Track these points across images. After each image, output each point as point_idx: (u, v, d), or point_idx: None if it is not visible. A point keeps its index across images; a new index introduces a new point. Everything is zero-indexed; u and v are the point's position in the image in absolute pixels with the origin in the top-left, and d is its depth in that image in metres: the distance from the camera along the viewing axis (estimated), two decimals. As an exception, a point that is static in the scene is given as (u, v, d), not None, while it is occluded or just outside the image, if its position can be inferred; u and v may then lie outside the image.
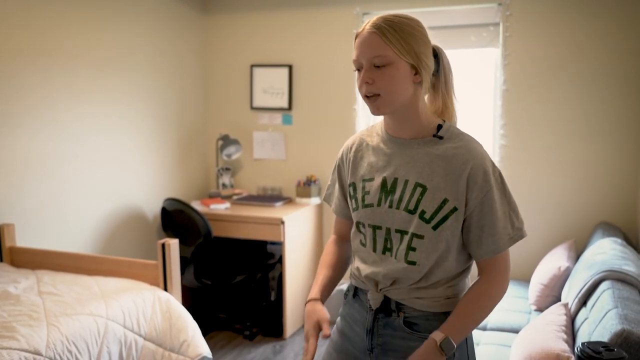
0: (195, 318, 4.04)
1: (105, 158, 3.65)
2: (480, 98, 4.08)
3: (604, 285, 2.45)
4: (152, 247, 4.09)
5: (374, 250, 1.50)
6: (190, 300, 4.26)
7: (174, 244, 2.61)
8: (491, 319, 3.15)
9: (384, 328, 1.49)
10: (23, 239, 3.09)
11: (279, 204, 4.26)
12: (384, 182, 1.47)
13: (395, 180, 1.46)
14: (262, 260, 4.24)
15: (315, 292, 1.56)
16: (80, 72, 3.44)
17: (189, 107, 4.46)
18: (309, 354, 1.42)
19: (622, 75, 3.59)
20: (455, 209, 1.41)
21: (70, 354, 2.09)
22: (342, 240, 1.68)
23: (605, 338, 2.00)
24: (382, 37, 1.39)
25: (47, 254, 2.90)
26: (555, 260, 3.34)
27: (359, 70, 1.42)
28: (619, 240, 3.02)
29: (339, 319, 1.66)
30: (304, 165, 4.46)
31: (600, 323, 2.16)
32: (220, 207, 4.11)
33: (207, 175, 4.70)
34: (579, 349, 1.85)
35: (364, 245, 1.53)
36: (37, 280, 2.61)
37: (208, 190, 4.66)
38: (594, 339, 2.14)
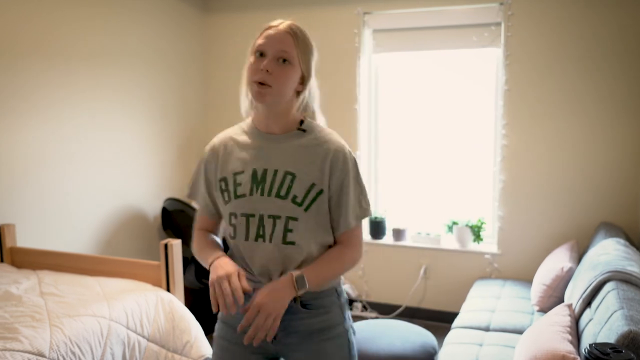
0: (196, 319, 4.02)
1: (105, 157, 3.63)
2: (481, 98, 4.07)
3: (609, 286, 2.44)
4: (152, 247, 4.07)
5: (246, 238, 1.56)
6: (191, 301, 4.24)
7: (176, 244, 2.60)
8: (494, 320, 3.15)
9: (285, 315, 1.55)
10: (24, 239, 3.07)
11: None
12: (254, 174, 1.57)
13: (265, 171, 1.57)
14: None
15: (220, 252, 1.57)
16: (80, 71, 3.43)
17: (189, 106, 4.44)
18: (239, 288, 1.44)
19: (624, 75, 3.59)
20: (321, 192, 1.57)
21: (74, 355, 2.07)
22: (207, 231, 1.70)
23: (611, 339, 1.99)
24: (295, 40, 1.55)
25: (48, 254, 2.88)
26: (557, 260, 3.33)
27: (259, 55, 1.53)
28: (622, 241, 3.02)
29: (219, 330, 1.68)
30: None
31: (606, 324, 2.15)
32: (221, 207, 4.09)
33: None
34: (586, 350, 1.84)
35: (233, 237, 1.59)
36: (39, 281, 2.59)
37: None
38: (599, 340, 2.14)
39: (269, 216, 1.53)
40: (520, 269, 3.95)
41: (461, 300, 4.11)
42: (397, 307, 4.29)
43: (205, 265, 1.58)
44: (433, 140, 4.25)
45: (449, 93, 4.16)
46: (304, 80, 1.59)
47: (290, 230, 1.53)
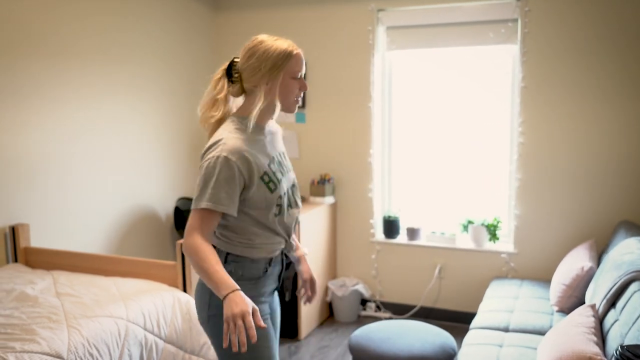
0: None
1: (118, 157, 3.61)
2: (497, 95, 4.02)
3: (635, 286, 2.39)
4: (165, 247, 4.05)
5: (287, 210, 1.89)
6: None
7: (193, 244, 2.56)
8: (513, 320, 3.10)
9: (287, 262, 1.97)
10: (38, 239, 3.05)
11: (292, 203, 4.20)
12: (277, 160, 1.89)
13: (277, 155, 1.92)
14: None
15: (233, 283, 1.65)
16: (92, 71, 3.40)
17: (193, 108, 4.40)
18: (253, 327, 1.56)
19: (643, 71, 3.53)
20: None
21: (92, 357, 2.04)
22: (209, 240, 1.76)
23: (641, 341, 1.94)
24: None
25: (62, 254, 2.85)
26: (577, 260, 3.28)
27: (296, 78, 1.86)
28: (645, 240, 2.96)
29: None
30: (318, 163, 4.40)
31: (634, 325, 2.10)
32: (234, 206, 4.05)
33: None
34: (617, 352, 1.80)
35: (277, 214, 1.86)
36: (54, 281, 2.56)
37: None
38: (627, 342, 2.09)
39: (292, 186, 1.93)
40: (537, 268, 3.89)
41: (477, 300, 4.06)
42: (411, 307, 4.24)
43: (213, 287, 1.64)
44: (448, 138, 4.20)
45: (464, 91, 4.11)
46: None
47: (296, 193, 1.96)
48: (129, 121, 3.69)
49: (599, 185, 3.70)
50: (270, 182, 1.81)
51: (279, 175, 1.85)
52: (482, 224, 4.00)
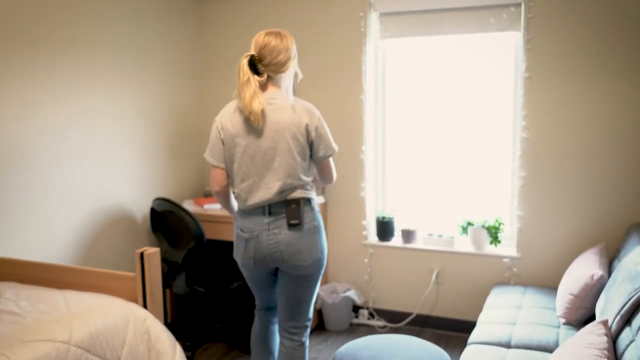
0: (187, 328, 3.71)
1: (89, 154, 3.32)
2: (499, 87, 3.71)
3: (653, 302, 2.09)
4: (141, 250, 3.77)
5: None
6: (181, 310, 3.94)
7: (154, 253, 2.27)
8: (516, 334, 2.81)
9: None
10: (-9, 246, 2.77)
11: (279, 203, 3.91)
12: None
13: None
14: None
15: None
16: (61, 61, 3.10)
17: (182, 99, 4.12)
18: None
19: (659, 59, 3.22)
20: None
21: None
22: None
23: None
24: None
25: (12, 264, 2.57)
26: (585, 267, 2.99)
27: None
28: (662, 246, 2.66)
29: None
30: (307, 161, 4.11)
31: (654, 351, 1.81)
32: (215, 207, 3.77)
33: (202, 172, 4.36)
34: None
35: None
36: None
37: (203, 189, 4.32)
38: (647, 369, 1.80)
39: None
40: (542, 274, 3.60)
41: (477, 307, 3.77)
42: (407, 314, 3.95)
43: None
44: (446, 133, 3.90)
45: (463, 82, 3.81)
46: None
47: None
48: (101, 114, 3.40)
49: (610, 184, 3.39)
50: None
51: None
52: (483, 226, 3.70)
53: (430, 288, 3.87)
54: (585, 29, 3.33)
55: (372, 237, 4.03)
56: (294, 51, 2.39)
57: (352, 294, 3.93)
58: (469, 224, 3.77)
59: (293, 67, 2.41)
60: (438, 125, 3.91)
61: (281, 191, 2.34)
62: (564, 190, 3.49)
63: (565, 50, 3.38)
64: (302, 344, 2.55)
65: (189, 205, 3.85)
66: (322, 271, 2.47)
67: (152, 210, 3.66)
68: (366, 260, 4.02)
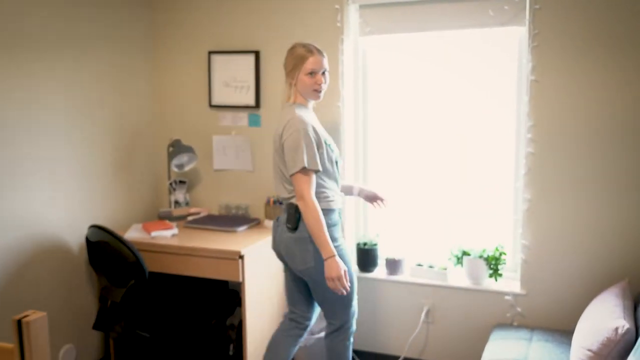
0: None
1: (10, 173, 2.74)
2: (500, 92, 3.14)
3: None
4: (81, 286, 3.19)
5: (339, 169, 2.65)
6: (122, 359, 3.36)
7: (36, 321, 1.68)
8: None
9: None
10: None
11: (242, 228, 3.34)
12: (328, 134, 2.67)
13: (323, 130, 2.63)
14: (221, 301, 3.33)
15: (332, 248, 2.43)
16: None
17: (131, 106, 3.55)
18: (345, 286, 2.46)
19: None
20: None
21: None
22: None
23: None
24: (325, 59, 2.59)
25: None
26: (607, 314, 2.42)
27: (310, 74, 2.54)
28: None
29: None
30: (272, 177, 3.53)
31: None
32: (165, 235, 3.20)
33: (156, 191, 3.78)
34: None
35: (338, 172, 2.64)
36: None
37: (158, 210, 3.74)
38: None
39: (338, 153, 2.66)
40: (551, 315, 3.03)
41: (474, 352, 3.19)
42: (392, 358, 3.38)
43: (320, 242, 2.42)
44: (438, 146, 3.33)
45: (458, 86, 3.24)
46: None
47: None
48: (28, 123, 2.83)
49: (633, 208, 2.82)
50: (330, 144, 2.54)
51: (329, 142, 2.57)
52: (481, 256, 3.13)
53: (419, 328, 3.29)
54: (605, 22, 2.76)
55: (352, 266, 3.44)
56: (289, 62, 2.56)
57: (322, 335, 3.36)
58: (465, 253, 3.20)
59: (291, 78, 2.57)
60: (429, 137, 3.34)
61: (281, 194, 2.62)
62: (578, 215, 2.92)
63: (580, 48, 2.81)
64: (336, 341, 2.74)
65: (135, 232, 3.27)
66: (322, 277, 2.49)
67: (87, 240, 3.09)
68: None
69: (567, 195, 2.93)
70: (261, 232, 3.32)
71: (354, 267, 3.31)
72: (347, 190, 2.95)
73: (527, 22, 2.90)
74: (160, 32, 3.70)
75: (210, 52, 3.56)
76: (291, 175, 2.46)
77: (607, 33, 2.76)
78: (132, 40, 3.54)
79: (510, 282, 3.16)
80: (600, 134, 2.84)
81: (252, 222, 3.45)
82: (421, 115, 3.34)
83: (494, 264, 3.14)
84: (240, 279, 2.97)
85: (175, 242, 3.12)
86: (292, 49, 2.56)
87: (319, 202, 2.47)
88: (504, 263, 3.15)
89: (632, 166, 2.80)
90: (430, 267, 3.28)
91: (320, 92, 2.57)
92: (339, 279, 2.42)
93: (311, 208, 2.42)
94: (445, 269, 3.25)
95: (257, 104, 3.50)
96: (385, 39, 3.31)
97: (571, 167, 2.91)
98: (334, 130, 3.34)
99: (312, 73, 2.52)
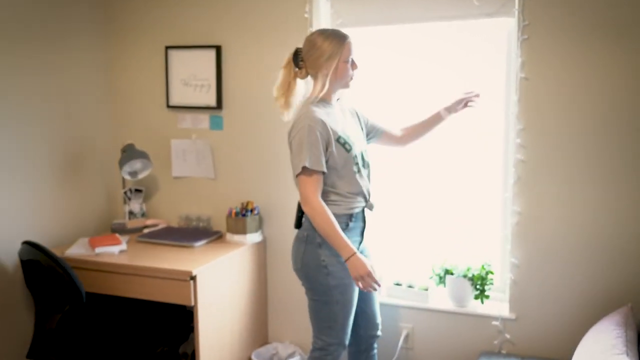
0: None
1: None
2: (487, 91, 2.80)
3: None
4: (17, 309, 2.85)
5: (363, 169, 2.38)
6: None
7: None
8: None
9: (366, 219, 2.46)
10: None
11: (200, 243, 3.00)
12: (349, 127, 2.38)
13: (346, 125, 2.37)
14: (173, 326, 2.98)
15: (352, 247, 2.23)
16: None
17: (81, 106, 3.21)
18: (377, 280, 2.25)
19: None
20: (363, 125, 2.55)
21: None
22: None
23: None
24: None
25: None
26: (606, 347, 2.10)
27: (350, 61, 2.33)
28: None
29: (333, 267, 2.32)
30: (239, 186, 3.20)
31: None
32: (111, 251, 2.86)
33: (110, 201, 3.43)
34: None
35: (357, 172, 2.34)
36: None
37: (111, 221, 3.39)
38: None
39: (365, 150, 2.41)
40: (544, 343, 2.69)
41: (458, 383, 2.85)
42: (367, 388, 3.04)
43: (336, 245, 2.23)
44: (418, 152, 2.99)
45: (442, 85, 2.89)
46: None
47: (368, 156, 2.44)
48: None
49: (635, 223, 2.48)
50: (345, 143, 2.30)
51: (353, 139, 2.33)
52: (465, 276, 2.79)
53: (397, 354, 2.95)
54: (605, 12, 2.42)
55: (323, 286, 3.11)
56: (325, 51, 2.30)
57: (299, 359, 3.04)
58: (448, 272, 2.86)
59: (326, 68, 2.31)
60: (408, 142, 3.00)
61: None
62: (573, 231, 2.59)
63: (576, 42, 2.48)
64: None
65: (79, 248, 2.93)
66: (317, 287, 2.36)
67: (20, 258, 2.74)
68: (315, 317, 3.10)
69: (562, 207, 2.59)
70: (222, 247, 2.98)
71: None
72: (431, 122, 2.61)
73: (516, 13, 2.56)
74: (113, 23, 3.35)
75: (167, 47, 3.22)
76: (296, 177, 2.29)
77: (606, 24, 2.42)
78: (82, 32, 3.20)
79: (498, 305, 2.81)
80: (599, 139, 2.50)
81: (213, 236, 3.11)
82: (399, 118, 3.00)
83: (480, 285, 2.80)
84: (192, 303, 2.62)
85: (121, 259, 2.78)
86: (319, 37, 2.31)
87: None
88: (491, 283, 2.81)
89: (636, 176, 2.46)
90: (410, 286, 2.94)
91: (353, 79, 2.39)
92: (368, 275, 2.21)
93: (318, 211, 2.22)
94: (427, 289, 2.91)
95: (219, 105, 3.16)
96: (359, 32, 2.96)
97: (566, 176, 2.57)
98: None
99: (350, 60, 2.33)
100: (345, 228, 2.31)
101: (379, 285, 2.28)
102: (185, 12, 3.18)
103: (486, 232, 2.91)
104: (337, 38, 2.29)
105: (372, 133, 2.57)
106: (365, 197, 2.39)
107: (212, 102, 3.17)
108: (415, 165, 3.00)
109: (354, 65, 2.35)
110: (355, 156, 2.32)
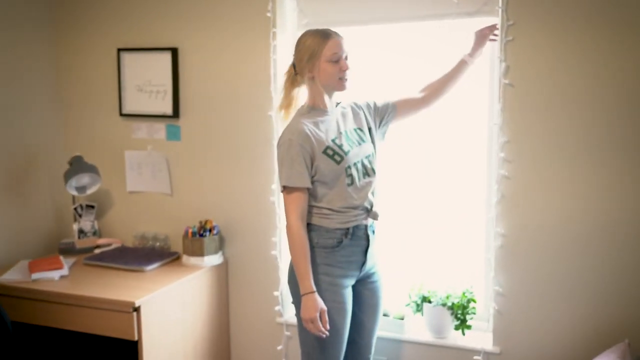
0: None
1: None
2: (467, 99, 2.52)
3: None
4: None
5: (359, 180, 2.11)
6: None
7: None
8: None
9: (372, 237, 2.18)
10: None
11: (152, 267, 2.71)
12: (345, 135, 2.12)
13: (346, 131, 2.14)
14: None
15: (311, 284, 2.03)
16: None
17: (25, 115, 2.93)
18: (322, 328, 2.01)
19: None
20: (370, 129, 2.23)
21: None
22: (304, 221, 2.08)
23: None
24: (344, 42, 2.09)
25: None
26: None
27: (334, 60, 2.06)
28: None
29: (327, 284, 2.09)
30: (198, 203, 2.91)
31: None
32: (50, 277, 2.56)
33: (59, 218, 3.13)
34: None
35: (349, 184, 2.09)
36: None
37: (59, 241, 3.09)
38: None
39: (366, 157, 2.14)
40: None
41: None
42: None
43: (298, 274, 2.04)
44: (393, 167, 2.70)
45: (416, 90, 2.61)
46: None
47: (372, 162, 2.17)
48: None
49: (632, 247, 2.21)
50: (335, 154, 2.07)
51: (346, 147, 2.09)
52: (444, 304, 2.51)
53: (370, 390, 2.66)
54: (600, 10, 2.14)
55: (290, 313, 2.82)
56: (303, 54, 2.10)
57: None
58: (425, 299, 2.57)
59: (309, 71, 2.11)
60: (383, 153, 2.71)
61: None
62: (564, 257, 2.31)
63: (568, 45, 2.20)
64: None
65: (16, 273, 2.63)
66: (297, 307, 2.13)
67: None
68: (280, 347, 2.81)
69: (551, 230, 2.31)
70: (177, 271, 2.69)
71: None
72: (456, 72, 2.29)
73: (500, 11, 2.29)
74: (61, 27, 3.06)
75: (119, 50, 2.93)
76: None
77: (602, 24, 2.15)
78: (27, 35, 2.91)
79: (481, 336, 2.53)
80: (592, 154, 2.22)
81: (168, 258, 2.82)
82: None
83: (460, 314, 2.52)
84: (136, 337, 2.33)
85: (60, 287, 2.50)
86: (302, 38, 2.11)
87: (310, 217, 2.11)
88: (474, 312, 2.52)
89: (635, 197, 2.18)
90: (385, 315, 2.65)
91: (346, 80, 2.10)
92: (312, 321, 2.01)
93: (291, 233, 2.06)
94: (402, 318, 2.63)
95: (176, 113, 2.87)
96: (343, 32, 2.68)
97: (556, 195, 2.29)
98: (265, 144, 2.72)
99: (334, 59, 2.06)
100: (338, 245, 2.10)
101: (326, 335, 2.04)
102: (138, 12, 2.89)
103: (469, 255, 2.63)
104: (318, 36, 2.06)
105: (387, 114, 2.27)
106: (365, 209, 2.14)
107: (169, 110, 2.88)
108: (393, 178, 2.72)
109: (342, 64, 2.07)
110: (348, 167, 2.09)
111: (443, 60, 2.44)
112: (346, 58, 2.09)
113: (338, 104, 2.19)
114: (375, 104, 2.26)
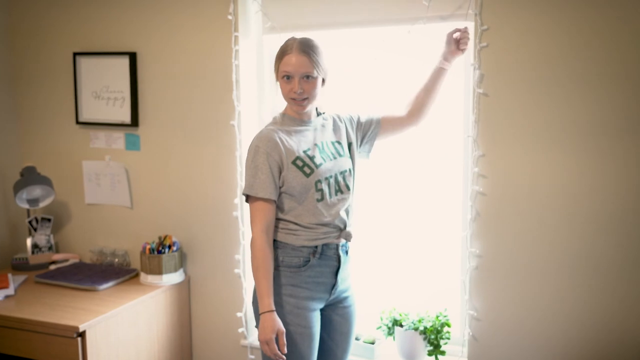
0: None
1: None
2: (440, 110, 2.35)
3: None
4: None
5: (330, 196, 1.96)
6: None
7: None
8: None
9: (344, 258, 2.03)
10: None
11: (106, 285, 2.54)
12: (320, 147, 1.98)
13: (322, 144, 1.99)
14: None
15: (270, 303, 1.86)
16: None
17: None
18: (278, 352, 1.84)
19: None
20: (351, 143, 2.07)
21: None
22: (269, 235, 1.92)
23: None
24: (310, 59, 1.88)
25: None
26: None
27: (286, 77, 1.91)
28: None
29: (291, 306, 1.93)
30: (158, 217, 2.74)
31: None
32: (-4, 296, 2.39)
33: (12, 232, 2.96)
34: None
35: (319, 200, 1.94)
36: None
37: (12, 256, 2.91)
38: None
39: (340, 172, 1.99)
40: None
41: None
42: None
43: (258, 291, 1.88)
44: (363, 182, 2.54)
45: (388, 101, 2.45)
46: (324, 81, 1.96)
47: (348, 178, 2.01)
48: None
49: (620, 267, 2.05)
50: (305, 166, 1.93)
51: (318, 160, 1.94)
52: (416, 328, 2.34)
53: (339, 419, 2.48)
54: (574, 13, 1.98)
55: (254, 335, 2.65)
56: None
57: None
58: (397, 323, 2.41)
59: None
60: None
61: None
62: (545, 279, 2.14)
63: (544, 48, 2.04)
64: None
65: (-41, 292, 2.46)
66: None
67: None
68: (244, 372, 2.64)
69: (530, 251, 2.14)
70: (132, 290, 2.52)
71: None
72: (435, 79, 2.11)
73: (474, 15, 2.12)
74: (13, 30, 2.90)
75: (75, 54, 2.76)
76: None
77: (587, 29, 1.98)
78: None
79: (455, 363, 2.36)
80: (573, 169, 2.06)
81: (125, 276, 2.65)
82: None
83: (434, 339, 2.35)
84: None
85: (3, 308, 2.32)
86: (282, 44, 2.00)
87: (277, 233, 1.96)
88: (448, 337, 2.35)
89: (620, 214, 2.02)
90: (355, 339, 2.48)
91: (299, 102, 1.92)
92: (267, 342, 1.84)
93: (253, 246, 1.91)
94: (373, 342, 2.46)
95: (135, 121, 2.70)
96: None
97: (535, 213, 2.12)
98: (227, 156, 2.55)
99: (286, 77, 1.91)
100: (305, 265, 1.95)
101: (282, 358, 1.87)
102: (95, 14, 2.72)
103: (444, 276, 2.46)
104: (280, 49, 1.94)
105: (371, 130, 2.12)
106: (338, 228, 1.98)
107: (127, 118, 2.71)
108: (365, 195, 2.55)
109: (293, 85, 1.89)
110: (319, 181, 1.93)
111: (420, 64, 2.28)
112: (308, 78, 1.89)
113: (321, 114, 2.06)
114: (359, 119, 2.12)
